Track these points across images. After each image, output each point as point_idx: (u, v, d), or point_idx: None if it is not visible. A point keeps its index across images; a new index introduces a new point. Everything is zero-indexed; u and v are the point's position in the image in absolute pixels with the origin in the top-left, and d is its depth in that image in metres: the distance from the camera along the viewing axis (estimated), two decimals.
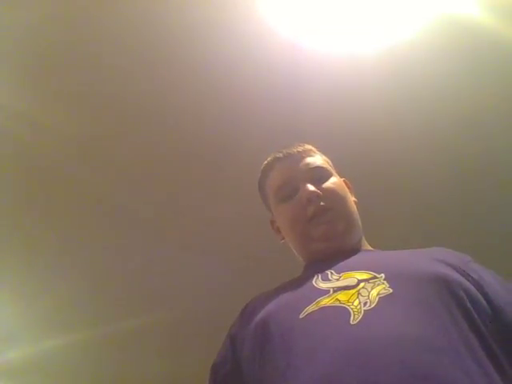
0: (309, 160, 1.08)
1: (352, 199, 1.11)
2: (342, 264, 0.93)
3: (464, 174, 2.23)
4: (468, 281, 0.84)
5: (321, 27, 1.74)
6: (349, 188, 1.14)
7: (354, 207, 1.08)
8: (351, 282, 0.85)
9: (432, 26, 1.73)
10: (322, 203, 1.00)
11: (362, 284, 0.83)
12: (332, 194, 1.03)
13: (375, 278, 0.83)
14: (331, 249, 1.00)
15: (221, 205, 2.30)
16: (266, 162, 1.16)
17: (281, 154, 1.12)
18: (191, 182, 2.26)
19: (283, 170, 1.08)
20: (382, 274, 0.84)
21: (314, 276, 0.91)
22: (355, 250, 1.02)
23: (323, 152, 1.18)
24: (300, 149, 1.11)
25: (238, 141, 2.10)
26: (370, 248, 1.08)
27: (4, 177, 2.19)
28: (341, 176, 1.15)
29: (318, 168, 1.07)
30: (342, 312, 0.78)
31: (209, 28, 1.75)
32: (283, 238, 1.13)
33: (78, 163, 2.15)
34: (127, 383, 3.35)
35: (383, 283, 0.82)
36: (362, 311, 0.77)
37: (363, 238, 1.08)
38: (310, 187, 1.01)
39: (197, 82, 1.91)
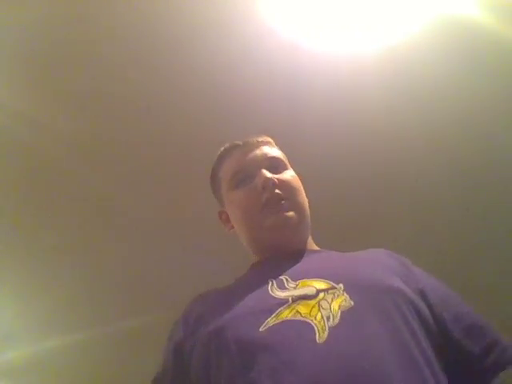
0: (267, 150, 1.07)
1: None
2: (295, 269, 0.91)
3: (464, 174, 2.23)
4: (414, 292, 0.85)
5: (321, 27, 1.74)
6: (301, 183, 1.11)
7: (307, 203, 1.05)
8: (310, 291, 0.83)
9: (432, 26, 1.73)
10: (277, 191, 0.98)
11: (321, 294, 0.81)
12: (288, 184, 1.01)
13: (334, 288, 0.82)
14: (281, 241, 0.98)
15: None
16: (222, 148, 1.14)
17: (239, 142, 1.10)
18: (191, 182, 2.25)
19: (240, 156, 1.06)
20: (341, 285, 0.83)
21: (267, 282, 0.88)
22: (303, 249, 1.00)
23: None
24: (259, 139, 1.10)
25: (238, 139, 2.09)
26: (317, 248, 1.07)
27: (4, 177, 2.19)
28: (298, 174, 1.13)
29: (276, 158, 1.06)
30: (305, 328, 0.76)
31: (209, 28, 1.75)
32: (232, 227, 1.10)
33: (78, 163, 2.15)
34: (127, 383, 3.35)
35: (343, 294, 0.81)
36: (327, 328, 0.75)
37: (310, 238, 1.07)
38: (267, 173, 0.99)
39: (197, 82, 1.91)
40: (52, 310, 2.79)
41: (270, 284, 0.87)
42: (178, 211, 2.35)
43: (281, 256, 0.97)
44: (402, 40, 1.77)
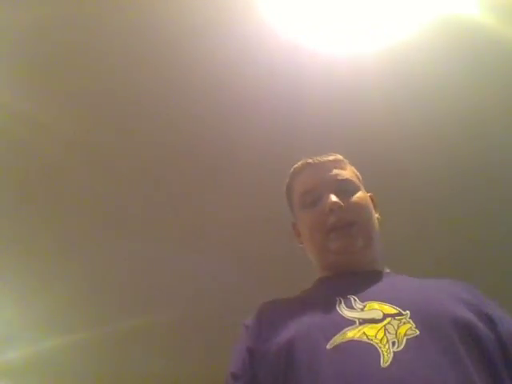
0: (337, 171, 1.07)
1: (375, 216, 1.10)
2: (363, 290, 0.92)
3: (463, 173, 2.23)
4: (480, 319, 0.85)
5: (321, 27, 1.74)
6: (374, 204, 1.14)
7: (375, 224, 1.08)
8: (377, 315, 0.84)
9: (432, 26, 1.73)
10: (344, 215, 0.99)
11: (388, 319, 0.83)
12: (355, 207, 1.02)
13: (401, 314, 0.83)
14: (347, 263, 1.00)
15: (221, 205, 2.30)
16: (296, 165, 1.16)
17: (311, 160, 1.12)
18: (191, 183, 2.26)
19: (311, 176, 1.08)
20: (408, 312, 0.83)
21: (336, 299, 0.90)
22: (373, 271, 1.01)
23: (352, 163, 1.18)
24: (331, 158, 1.12)
25: (238, 141, 2.10)
26: (388, 271, 1.07)
27: (3, 177, 2.19)
28: (368, 191, 1.14)
29: (346, 180, 1.06)
30: (371, 351, 0.78)
31: (209, 29, 1.75)
32: (302, 243, 1.12)
33: (78, 163, 2.15)
34: (127, 383, 3.35)
35: (409, 322, 0.82)
36: (392, 353, 0.77)
37: (381, 259, 1.07)
38: (333, 197, 1.00)
39: (197, 82, 1.91)
40: (52, 310, 2.79)
41: (338, 302, 0.89)
42: (179, 211, 2.36)
43: (349, 275, 0.99)
44: (402, 40, 1.77)
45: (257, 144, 2.11)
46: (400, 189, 2.28)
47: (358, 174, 1.15)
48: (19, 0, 1.67)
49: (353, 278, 0.97)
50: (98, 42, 1.79)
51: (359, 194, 1.05)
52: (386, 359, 0.76)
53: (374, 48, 1.79)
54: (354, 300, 0.89)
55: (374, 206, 1.14)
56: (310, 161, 1.12)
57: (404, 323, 0.81)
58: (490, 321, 0.86)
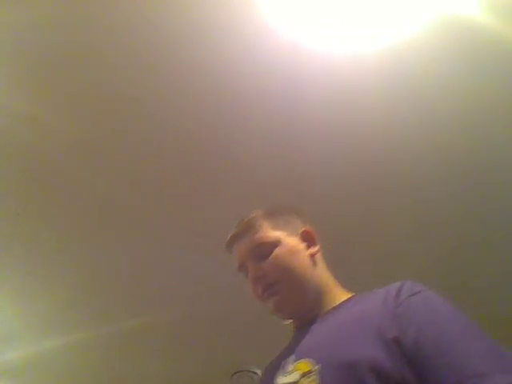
0: (252, 238, 1.13)
1: (306, 254, 1.13)
2: (302, 345, 0.99)
3: (463, 173, 2.23)
4: (392, 356, 0.83)
5: (320, 27, 1.74)
6: (309, 238, 1.17)
7: (304, 268, 1.10)
8: (295, 378, 0.92)
9: (432, 26, 1.73)
10: (266, 280, 1.08)
11: (301, 380, 0.90)
12: (275, 268, 1.08)
13: (310, 372, 0.88)
14: (288, 318, 1.11)
15: (221, 205, 2.30)
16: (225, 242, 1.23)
17: (229, 238, 1.20)
18: (191, 183, 2.26)
19: (236, 253, 1.17)
20: (318, 366, 0.88)
21: (281, 364, 1.00)
22: (316, 314, 1.07)
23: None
24: (244, 227, 1.16)
25: (237, 141, 2.10)
26: (334, 303, 1.09)
27: (3, 177, 2.19)
28: (304, 226, 1.20)
29: (260, 245, 1.11)
30: None
31: (208, 28, 1.75)
32: None
33: (78, 163, 2.15)
34: (127, 383, 3.35)
35: (315, 380, 0.87)
36: None
37: (327, 290, 1.11)
38: (252, 272, 1.10)
39: (197, 82, 1.91)
40: (52, 310, 2.79)
41: (280, 367, 1.00)
42: (179, 211, 2.36)
43: (299, 325, 1.09)
44: (402, 40, 1.76)
45: (256, 144, 2.11)
46: (400, 188, 2.28)
47: (277, 219, 1.17)
48: (19, 0, 1.67)
49: (298, 330, 1.07)
50: (98, 42, 1.79)
51: (276, 252, 1.10)
52: None
53: (373, 48, 1.79)
54: (291, 362, 0.97)
55: (310, 241, 1.17)
56: (228, 239, 1.20)
57: (310, 382, 0.87)
58: (397, 345, 0.84)
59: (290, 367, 0.95)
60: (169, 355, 3.12)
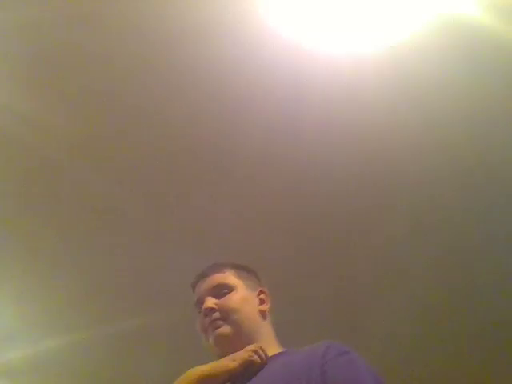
0: (215, 277, 1.28)
1: (256, 308, 1.25)
2: None
3: (464, 173, 2.23)
4: None
5: (321, 27, 1.74)
6: (264, 297, 1.30)
7: (250, 317, 1.22)
8: None
9: (433, 25, 1.73)
10: (216, 315, 1.19)
11: None
12: (226, 307, 1.20)
13: None
14: (226, 354, 1.13)
15: (221, 205, 2.30)
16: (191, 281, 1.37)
17: (197, 274, 1.34)
18: (191, 183, 2.26)
19: (198, 287, 1.31)
20: None
21: None
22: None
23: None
24: (212, 266, 1.33)
25: (238, 141, 2.10)
26: (274, 353, 1.17)
27: (3, 177, 2.19)
28: (261, 287, 1.32)
29: (221, 285, 1.25)
30: None
31: (209, 29, 1.75)
32: None
33: (78, 164, 2.15)
34: (127, 383, 3.35)
35: None
36: None
37: (264, 343, 1.17)
38: (207, 303, 1.21)
39: (198, 82, 1.91)
40: (52, 310, 2.79)
41: None
42: (179, 211, 2.36)
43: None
44: (403, 40, 1.76)
45: (257, 144, 2.11)
46: (400, 188, 2.28)
47: (243, 274, 1.31)
48: (19, 0, 1.67)
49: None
50: (99, 43, 1.79)
51: (231, 295, 1.23)
52: None
53: (374, 48, 1.79)
54: None
55: (262, 300, 1.29)
56: (195, 278, 1.34)
57: None
58: None
59: None
60: (169, 355, 3.12)
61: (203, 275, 1.32)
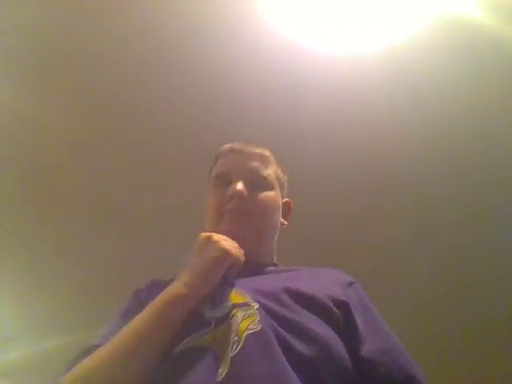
0: (257, 164, 1.07)
1: (280, 220, 1.11)
2: (232, 281, 0.90)
3: (463, 173, 2.23)
4: (339, 326, 0.84)
5: (321, 26, 1.74)
6: (286, 210, 1.15)
7: (275, 226, 1.07)
8: (227, 307, 0.82)
9: (433, 25, 1.73)
10: (242, 205, 1.00)
11: (234, 311, 0.81)
12: (257, 203, 1.03)
13: (248, 305, 0.82)
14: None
15: None
16: (221, 148, 1.16)
17: (237, 147, 1.11)
18: (191, 183, 2.25)
19: (230, 161, 1.09)
20: (256, 304, 0.82)
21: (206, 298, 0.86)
22: (255, 262, 0.99)
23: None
24: (257, 151, 1.10)
25: (238, 139, 2.09)
26: (274, 267, 1.06)
27: (3, 177, 2.19)
28: (289, 198, 1.16)
29: (260, 176, 1.06)
30: (210, 360, 0.75)
31: (209, 29, 1.75)
32: None
33: (78, 163, 2.15)
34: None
35: (254, 315, 0.80)
36: (229, 359, 0.74)
37: (270, 256, 1.08)
38: (239, 186, 1.01)
39: (198, 82, 1.91)
40: (52, 311, 2.79)
41: (207, 302, 0.86)
42: (180, 212, 2.35)
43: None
44: (403, 39, 1.77)
45: (258, 142, 2.10)
46: (400, 187, 2.28)
47: (281, 175, 1.14)
48: (19, 0, 1.67)
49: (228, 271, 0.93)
50: (99, 42, 1.79)
51: (267, 193, 1.06)
52: (222, 371, 0.73)
53: (374, 47, 1.79)
54: (221, 297, 0.86)
55: (285, 213, 1.14)
56: (235, 147, 1.11)
57: (248, 316, 0.79)
58: (344, 305, 0.87)
59: (223, 303, 0.85)
60: None
61: (243, 151, 1.09)
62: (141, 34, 1.77)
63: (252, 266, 0.97)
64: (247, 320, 0.79)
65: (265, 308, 0.81)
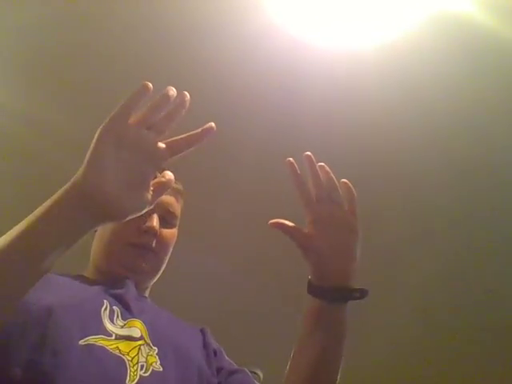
0: (172, 201, 1.14)
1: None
2: (130, 306, 0.92)
3: (463, 173, 2.23)
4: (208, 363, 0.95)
5: (319, 22, 1.73)
6: None
7: (166, 260, 1.12)
8: (136, 333, 0.86)
9: (430, 22, 1.72)
10: (151, 242, 1.02)
11: (142, 341, 0.85)
12: (165, 242, 1.07)
13: (149, 345, 0.86)
14: (123, 276, 1.00)
15: (221, 205, 2.30)
16: None
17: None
18: (191, 182, 2.25)
19: None
20: (156, 348, 0.87)
21: (103, 304, 0.87)
22: (139, 291, 1.03)
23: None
24: (175, 186, 1.14)
25: (239, 140, 2.09)
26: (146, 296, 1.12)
27: (3, 176, 2.19)
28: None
29: (173, 214, 1.12)
30: (120, 366, 0.78)
31: (208, 26, 1.75)
32: (95, 230, 1.06)
33: (78, 163, 2.15)
34: None
35: (155, 358, 0.84)
36: (138, 375, 0.78)
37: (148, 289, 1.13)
38: (155, 222, 1.03)
39: (196, 81, 1.91)
40: None
41: (103, 308, 0.87)
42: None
43: (119, 286, 0.97)
44: (401, 35, 1.76)
45: (257, 142, 2.11)
46: (399, 187, 2.28)
47: (182, 209, 1.20)
48: (19, 0, 1.67)
49: (122, 291, 0.95)
50: (99, 43, 1.79)
51: (173, 231, 1.11)
52: (132, 379, 0.77)
53: (371, 44, 1.78)
54: (117, 315, 0.87)
55: None
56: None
57: (151, 355, 0.84)
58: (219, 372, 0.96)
59: (119, 322, 0.86)
60: None
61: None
62: (143, 32, 1.77)
63: (141, 297, 1.04)
64: (151, 359, 0.84)
65: (164, 353, 0.87)
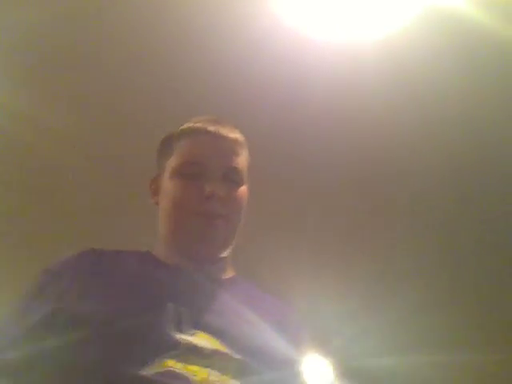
0: (233, 154, 0.95)
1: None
2: (200, 302, 0.83)
3: (461, 172, 2.23)
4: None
5: (317, 16, 1.72)
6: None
7: (241, 222, 0.98)
8: (206, 345, 0.75)
9: (424, 17, 1.72)
10: (218, 207, 0.90)
11: (215, 358, 0.74)
12: (235, 202, 0.94)
13: (230, 357, 0.76)
14: (196, 254, 0.92)
15: None
16: (191, 124, 1.02)
17: (211, 128, 0.97)
18: None
19: (204, 147, 0.95)
20: (239, 356, 0.76)
21: (168, 310, 0.78)
22: (216, 276, 0.94)
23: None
24: (233, 136, 0.97)
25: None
26: (231, 275, 0.99)
27: (4, 177, 2.19)
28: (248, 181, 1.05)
29: (236, 169, 0.95)
30: None
31: (208, 24, 1.75)
32: (157, 203, 1.01)
33: (78, 163, 2.15)
34: None
35: (229, 373, 0.74)
36: None
37: (229, 258, 1.00)
38: (218, 187, 0.90)
39: (198, 81, 1.91)
40: None
41: (169, 312, 0.78)
42: None
43: (191, 271, 0.90)
44: (398, 30, 1.75)
45: (257, 142, 2.10)
46: (398, 185, 2.28)
47: (247, 161, 1.02)
48: (19, 0, 1.67)
49: (192, 282, 0.88)
50: (100, 43, 1.79)
51: (242, 190, 0.96)
52: None
53: (370, 37, 1.77)
54: (186, 320, 0.78)
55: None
56: (209, 128, 0.96)
57: (228, 370, 0.74)
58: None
59: (191, 328, 0.77)
60: None
61: (218, 134, 0.95)
62: (144, 32, 1.77)
63: (209, 279, 0.91)
64: (228, 375, 0.73)
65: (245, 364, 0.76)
